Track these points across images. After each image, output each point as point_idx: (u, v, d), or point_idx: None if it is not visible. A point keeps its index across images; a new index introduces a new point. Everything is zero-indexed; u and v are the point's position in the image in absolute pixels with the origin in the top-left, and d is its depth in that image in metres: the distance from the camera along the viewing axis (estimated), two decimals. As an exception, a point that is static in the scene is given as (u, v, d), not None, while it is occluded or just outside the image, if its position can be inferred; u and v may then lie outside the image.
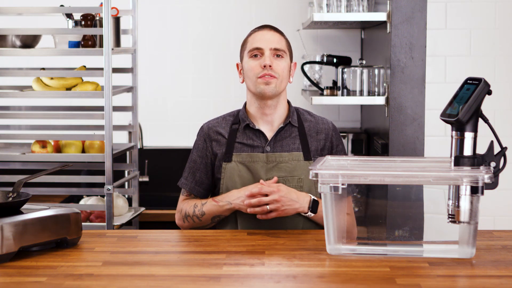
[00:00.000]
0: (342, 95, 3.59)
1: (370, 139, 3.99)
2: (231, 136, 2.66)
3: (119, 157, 3.54)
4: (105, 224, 3.15)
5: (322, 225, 2.27)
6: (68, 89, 3.28)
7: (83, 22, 3.21)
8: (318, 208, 2.52)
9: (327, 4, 3.56)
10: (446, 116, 2.15)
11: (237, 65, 2.72)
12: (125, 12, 3.42)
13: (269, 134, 2.66)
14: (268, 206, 2.46)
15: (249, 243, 2.35)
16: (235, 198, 2.54)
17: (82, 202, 3.42)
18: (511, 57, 3.49)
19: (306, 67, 3.98)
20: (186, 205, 2.65)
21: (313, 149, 2.66)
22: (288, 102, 2.71)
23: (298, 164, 2.61)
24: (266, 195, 2.48)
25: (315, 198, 2.54)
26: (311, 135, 2.68)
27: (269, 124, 2.66)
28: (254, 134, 2.66)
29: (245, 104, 2.71)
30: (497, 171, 2.14)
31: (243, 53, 2.66)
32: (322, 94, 3.62)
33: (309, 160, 2.63)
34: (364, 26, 4.13)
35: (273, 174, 2.60)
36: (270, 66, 2.57)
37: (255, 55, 2.61)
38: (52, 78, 3.26)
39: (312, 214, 2.52)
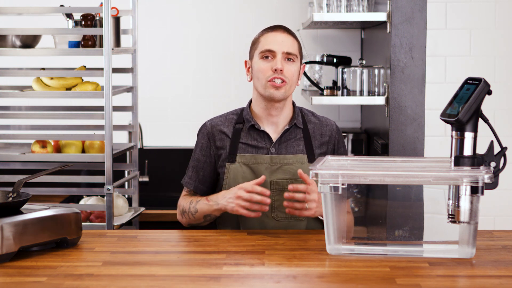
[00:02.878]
0: (342, 95, 3.59)
1: (370, 139, 3.99)
2: (235, 136, 2.63)
3: (119, 157, 3.54)
4: (105, 224, 3.15)
5: None
6: (68, 89, 3.28)
7: (83, 22, 3.21)
8: None
9: (327, 4, 3.56)
10: (446, 116, 2.15)
11: (245, 62, 2.67)
12: (125, 12, 3.42)
13: (274, 136, 2.64)
14: (307, 205, 2.41)
15: (249, 243, 2.35)
16: (221, 198, 2.49)
17: (82, 202, 3.42)
18: (511, 57, 3.49)
19: (306, 67, 3.98)
20: (184, 201, 2.64)
21: (317, 152, 2.65)
22: (293, 103, 2.69)
23: (302, 166, 2.59)
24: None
25: None
26: (315, 137, 2.66)
27: (274, 125, 2.64)
28: (259, 135, 2.63)
29: (250, 102, 2.69)
30: (497, 171, 2.14)
31: (254, 52, 2.61)
32: (322, 94, 3.62)
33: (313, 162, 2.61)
34: (364, 26, 4.13)
35: (277, 176, 2.58)
36: (281, 70, 2.54)
37: (266, 57, 2.56)
38: (52, 78, 3.26)
39: None
